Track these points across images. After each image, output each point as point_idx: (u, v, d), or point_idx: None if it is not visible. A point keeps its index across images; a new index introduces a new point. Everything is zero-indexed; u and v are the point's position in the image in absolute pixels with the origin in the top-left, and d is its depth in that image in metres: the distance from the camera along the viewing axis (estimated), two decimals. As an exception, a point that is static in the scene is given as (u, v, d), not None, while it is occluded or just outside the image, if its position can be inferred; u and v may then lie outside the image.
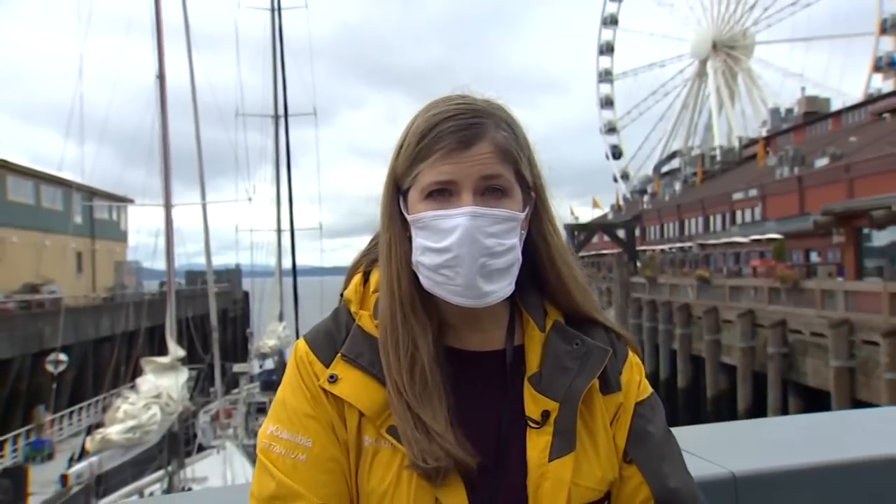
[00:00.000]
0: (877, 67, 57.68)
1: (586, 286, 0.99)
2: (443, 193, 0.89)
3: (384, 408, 0.87)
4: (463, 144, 0.89)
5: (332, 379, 0.88)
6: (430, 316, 0.92)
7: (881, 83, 55.05)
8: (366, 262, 1.00)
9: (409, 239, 0.93)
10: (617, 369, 0.97)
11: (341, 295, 1.00)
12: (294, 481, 0.85)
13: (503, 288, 0.90)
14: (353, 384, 0.88)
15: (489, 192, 0.90)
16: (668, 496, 0.92)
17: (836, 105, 55.33)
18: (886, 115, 43.96)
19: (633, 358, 1.00)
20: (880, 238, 28.61)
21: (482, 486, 0.85)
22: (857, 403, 15.74)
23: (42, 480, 14.49)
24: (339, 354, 0.90)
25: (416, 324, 0.90)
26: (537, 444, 0.89)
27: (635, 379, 0.99)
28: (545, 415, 0.90)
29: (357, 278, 0.98)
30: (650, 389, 1.01)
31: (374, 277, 0.97)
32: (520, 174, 0.93)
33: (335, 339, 0.92)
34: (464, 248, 0.87)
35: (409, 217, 0.92)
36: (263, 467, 0.88)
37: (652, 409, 0.99)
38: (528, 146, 0.96)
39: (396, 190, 0.95)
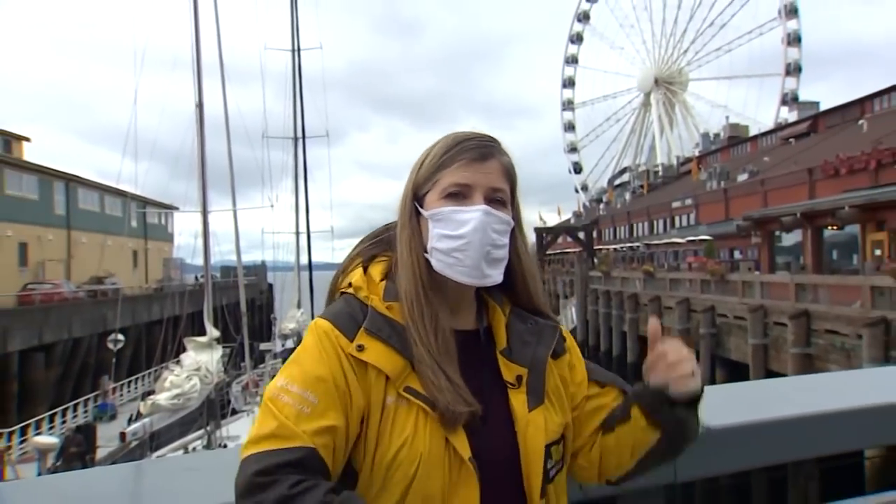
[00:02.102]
0: (784, 102, 58.68)
1: (542, 292, 1.04)
2: (457, 196, 0.93)
3: (402, 372, 0.87)
4: (480, 158, 0.94)
5: (360, 348, 0.87)
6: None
7: (787, 114, 55.94)
8: (364, 257, 1.00)
9: (421, 233, 0.96)
10: (559, 341, 1.02)
11: (334, 285, 1.00)
12: (294, 425, 0.82)
13: (497, 275, 0.95)
14: (377, 352, 0.88)
15: (494, 201, 0.94)
16: (622, 385, 1.05)
17: (753, 131, 55.79)
18: (792, 139, 44.46)
19: (566, 332, 1.06)
20: (788, 239, 28.91)
21: (477, 432, 0.87)
22: (770, 373, 15.91)
23: (107, 436, 14.50)
24: (362, 329, 0.89)
25: (435, 300, 0.93)
26: (518, 400, 0.92)
27: (573, 342, 1.06)
28: (519, 378, 0.93)
29: (359, 271, 0.97)
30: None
31: (376, 270, 0.97)
32: (513, 193, 0.98)
33: (355, 318, 0.90)
34: (476, 235, 0.91)
35: (426, 213, 0.94)
36: (268, 411, 0.84)
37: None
38: (517, 175, 1.00)
39: (414, 196, 0.97)
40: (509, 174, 0.97)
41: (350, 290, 0.95)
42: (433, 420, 0.85)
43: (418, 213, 0.96)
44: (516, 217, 0.99)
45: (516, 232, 0.99)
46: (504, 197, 0.95)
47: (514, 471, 0.90)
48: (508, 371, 0.94)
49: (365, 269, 0.98)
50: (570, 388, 1.00)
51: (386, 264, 0.98)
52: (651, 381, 0.96)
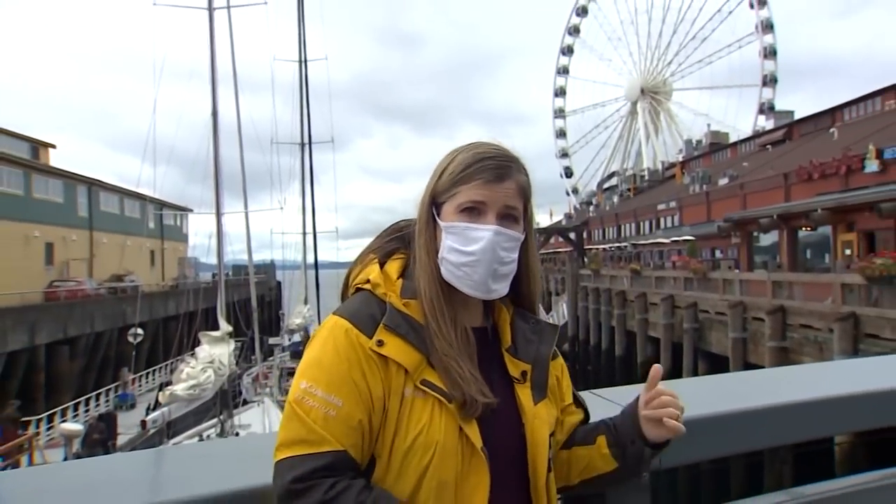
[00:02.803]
0: (761, 111, 58.64)
1: (540, 288, 1.04)
2: (472, 211, 0.92)
3: (419, 365, 0.87)
4: (498, 178, 0.92)
5: (380, 343, 0.86)
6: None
7: (764, 122, 56.00)
8: (380, 255, 0.98)
9: (437, 239, 0.95)
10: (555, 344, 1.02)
11: (348, 278, 0.98)
12: (323, 430, 0.82)
13: (502, 289, 0.95)
14: (396, 347, 0.87)
15: (507, 217, 0.93)
16: (587, 412, 1.07)
17: (733, 138, 55.78)
18: (769, 146, 44.44)
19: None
20: (766, 239, 28.93)
21: (488, 423, 0.88)
22: (749, 365, 15.89)
23: (127, 424, 14.59)
24: (381, 325, 0.87)
25: (453, 299, 0.93)
26: (524, 394, 0.93)
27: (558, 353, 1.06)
28: (524, 374, 0.94)
29: (376, 268, 0.95)
30: None
31: (392, 267, 0.96)
32: (526, 209, 0.98)
33: (373, 315, 0.89)
34: (486, 255, 0.90)
35: (443, 224, 0.93)
36: (294, 415, 0.84)
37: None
38: (531, 191, 0.99)
39: (432, 202, 0.96)
40: (524, 191, 0.96)
41: (368, 287, 0.93)
42: (448, 411, 0.85)
43: (435, 220, 0.95)
44: (528, 227, 0.99)
45: (528, 240, 0.99)
46: (517, 214, 0.94)
47: (521, 460, 0.91)
48: (514, 367, 0.94)
49: (381, 265, 0.97)
50: (559, 390, 1.02)
51: (402, 262, 0.96)
52: (643, 416, 0.98)
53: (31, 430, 14.96)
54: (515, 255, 0.95)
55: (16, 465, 12.39)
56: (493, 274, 0.92)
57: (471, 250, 0.90)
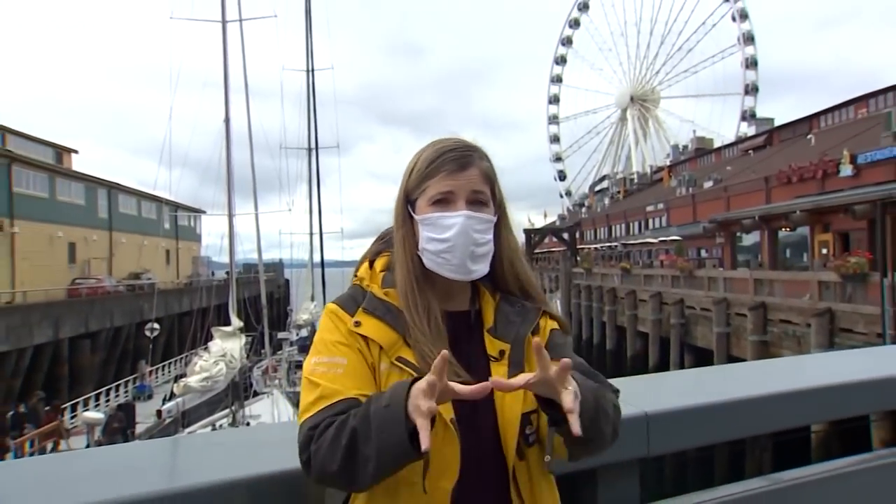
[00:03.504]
0: (743, 118, 58.60)
1: (529, 272, 1.03)
2: (443, 202, 0.94)
3: (394, 343, 0.90)
4: (460, 167, 0.94)
5: (357, 324, 0.91)
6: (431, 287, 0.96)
7: (747, 129, 56.05)
8: (371, 254, 1.03)
9: (415, 234, 0.97)
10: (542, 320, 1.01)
11: (355, 275, 1.03)
12: (334, 384, 0.86)
13: (483, 268, 0.96)
14: (371, 327, 0.91)
15: (475, 203, 0.95)
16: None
17: (717, 143, 55.75)
18: (751, 151, 44.41)
19: (548, 315, 1.02)
20: (748, 239, 28.94)
21: (462, 399, 0.85)
22: (732, 358, 15.91)
23: (145, 414, 14.62)
24: (360, 308, 0.93)
25: (427, 289, 0.95)
26: (499, 371, 0.92)
27: (550, 323, 1.02)
28: (501, 353, 0.94)
29: (365, 265, 1.01)
30: (566, 328, 1.04)
31: (379, 263, 1.01)
32: (493, 193, 0.98)
33: (356, 300, 0.95)
34: (460, 239, 0.92)
35: (417, 217, 0.96)
36: (308, 383, 0.88)
37: (563, 335, 1.02)
38: (496, 175, 1.00)
39: (406, 200, 0.98)
40: (488, 176, 0.97)
41: (356, 281, 1.00)
42: None
43: (411, 216, 0.97)
44: (500, 208, 1.00)
45: (501, 221, 1.00)
46: (484, 198, 0.96)
47: (494, 434, 0.90)
48: (492, 346, 0.95)
49: (371, 264, 1.02)
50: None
51: (388, 259, 1.01)
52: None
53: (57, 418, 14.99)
54: (490, 237, 0.96)
55: (43, 451, 12.45)
56: (471, 255, 0.94)
57: (446, 237, 0.93)
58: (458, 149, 0.96)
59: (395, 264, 0.98)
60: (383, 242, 1.04)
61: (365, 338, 0.91)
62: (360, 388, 0.87)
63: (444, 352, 0.76)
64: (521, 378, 0.81)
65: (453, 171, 0.94)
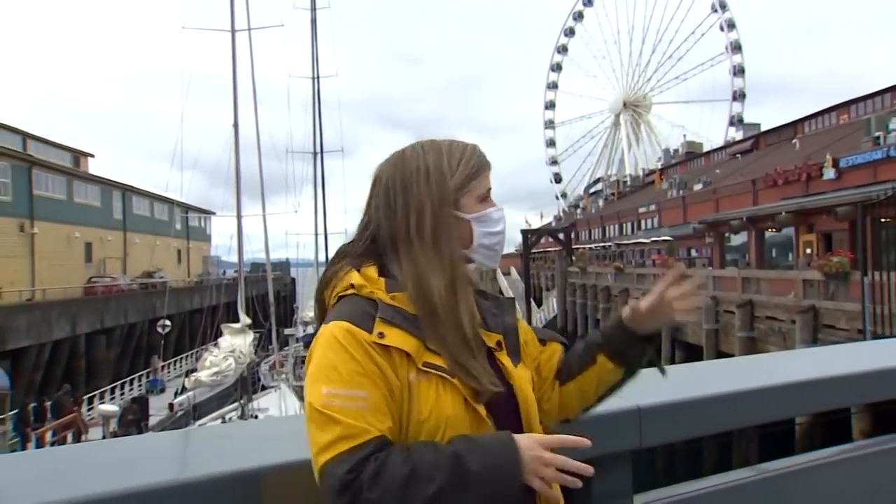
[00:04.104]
0: (731, 123, 58.51)
1: None
2: (487, 199, 0.96)
3: (418, 349, 0.84)
4: (489, 165, 0.98)
5: (381, 336, 0.83)
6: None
7: (734, 133, 56.06)
8: (352, 267, 0.90)
9: (460, 235, 0.92)
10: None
11: (322, 296, 0.92)
12: (359, 422, 0.78)
13: None
14: (395, 336, 0.84)
15: None
16: (559, 339, 1.07)
17: (706, 147, 55.63)
18: (739, 155, 44.40)
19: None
20: (736, 240, 28.93)
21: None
22: (721, 354, 15.89)
23: (157, 407, 14.61)
24: (378, 318, 0.84)
25: (469, 293, 0.92)
26: (505, 359, 0.93)
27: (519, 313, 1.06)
28: (499, 343, 0.94)
29: (353, 273, 0.89)
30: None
31: (369, 271, 0.90)
32: None
33: (368, 312, 0.85)
34: (505, 229, 0.98)
35: (471, 216, 0.93)
36: (326, 418, 0.78)
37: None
38: None
39: (446, 203, 0.91)
40: None
41: (350, 292, 0.88)
42: (452, 386, 0.84)
43: (455, 217, 0.92)
44: None
45: None
46: None
47: (516, 418, 0.90)
48: (489, 339, 0.94)
49: (357, 270, 0.91)
50: (528, 347, 1.02)
51: (375, 268, 0.90)
52: (637, 322, 0.99)
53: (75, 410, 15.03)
54: None
55: (63, 442, 12.47)
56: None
57: (499, 230, 0.95)
58: (476, 147, 0.98)
59: (394, 271, 0.90)
60: (358, 257, 0.92)
61: (389, 349, 0.82)
62: (385, 423, 0.79)
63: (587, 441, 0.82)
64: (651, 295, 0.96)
65: (488, 169, 0.96)
